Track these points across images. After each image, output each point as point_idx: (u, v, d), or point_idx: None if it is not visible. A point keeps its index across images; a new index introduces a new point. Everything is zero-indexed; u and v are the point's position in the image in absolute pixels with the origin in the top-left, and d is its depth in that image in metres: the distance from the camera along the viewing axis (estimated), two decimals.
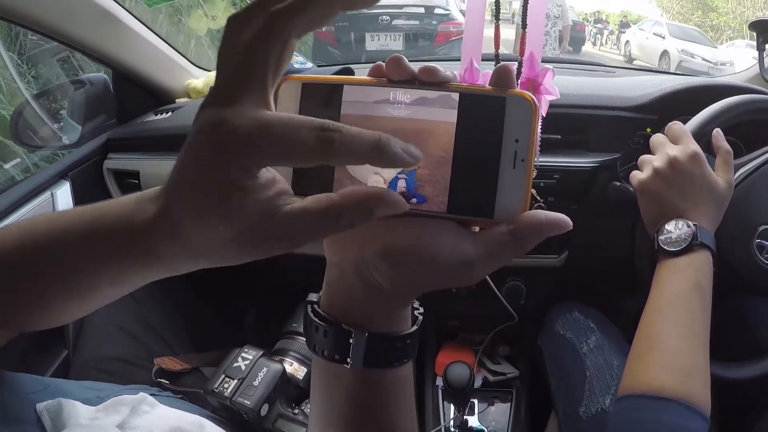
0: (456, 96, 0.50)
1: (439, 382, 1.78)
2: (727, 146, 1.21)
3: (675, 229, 1.12)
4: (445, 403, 1.78)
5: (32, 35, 1.88)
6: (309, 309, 0.57)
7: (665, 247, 1.12)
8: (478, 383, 1.74)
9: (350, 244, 0.52)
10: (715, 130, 1.23)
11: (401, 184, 0.51)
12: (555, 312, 1.65)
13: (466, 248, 0.50)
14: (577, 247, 1.61)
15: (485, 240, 0.50)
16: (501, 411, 1.76)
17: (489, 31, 1.23)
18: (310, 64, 2.16)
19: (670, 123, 1.23)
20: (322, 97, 0.52)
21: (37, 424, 0.73)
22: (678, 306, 1.05)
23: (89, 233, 0.50)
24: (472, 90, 0.50)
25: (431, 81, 0.50)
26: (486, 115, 0.50)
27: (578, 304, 1.64)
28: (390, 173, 0.51)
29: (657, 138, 1.23)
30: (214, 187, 0.43)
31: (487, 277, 1.52)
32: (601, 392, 1.38)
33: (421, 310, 0.61)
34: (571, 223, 0.50)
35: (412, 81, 0.51)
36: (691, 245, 1.09)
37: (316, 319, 0.55)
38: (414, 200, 0.50)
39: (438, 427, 1.69)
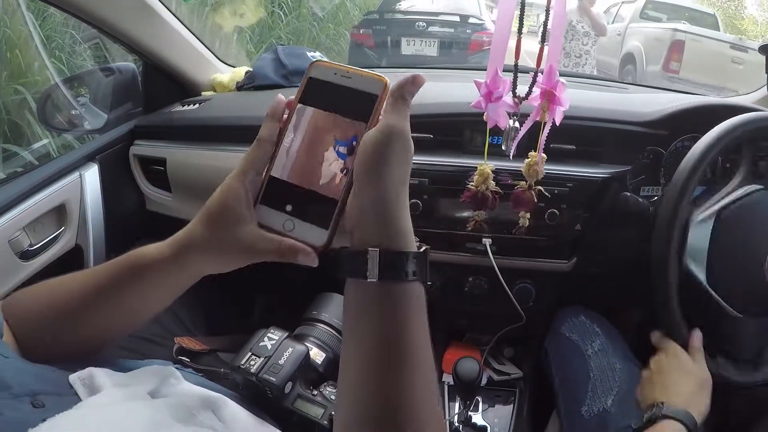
0: None
1: (446, 378, 1.85)
2: (693, 342, 1.38)
3: None
4: (450, 402, 1.84)
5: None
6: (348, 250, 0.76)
7: None
8: (483, 382, 1.79)
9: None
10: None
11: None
12: (562, 315, 1.72)
13: None
14: (587, 253, 1.69)
15: None
16: (504, 409, 1.82)
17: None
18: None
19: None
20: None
21: (70, 391, 0.79)
22: None
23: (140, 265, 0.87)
24: None
25: None
26: None
27: (585, 309, 1.71)
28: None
29: None
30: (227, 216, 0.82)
31: (500, 277, 1.63)
32: (604, 393, 1.46)
33: (425, 247, 0.77)
34: None
35: None
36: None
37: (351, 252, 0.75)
38: None
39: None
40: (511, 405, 1.85)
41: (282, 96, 0.84)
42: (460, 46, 9.14)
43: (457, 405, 1.81)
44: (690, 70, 9.38)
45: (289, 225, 0.80)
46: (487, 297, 1.77)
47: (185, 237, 0.85)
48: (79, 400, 0.77)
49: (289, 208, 0.81)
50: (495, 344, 1.93)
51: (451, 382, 1.80)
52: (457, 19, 9.27)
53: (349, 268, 0.74)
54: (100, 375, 0.83)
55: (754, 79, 2.21)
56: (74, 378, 0.81)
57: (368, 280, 0.72)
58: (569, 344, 1.63)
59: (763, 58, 1.82)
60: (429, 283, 0.76)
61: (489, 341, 1.92)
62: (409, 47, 9.14)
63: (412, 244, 0.75)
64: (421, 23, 9.19)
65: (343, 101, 0.80)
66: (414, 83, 0.77)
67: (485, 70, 1.31)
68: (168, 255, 0.85)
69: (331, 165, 0.79)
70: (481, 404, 1.82)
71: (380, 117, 0.78)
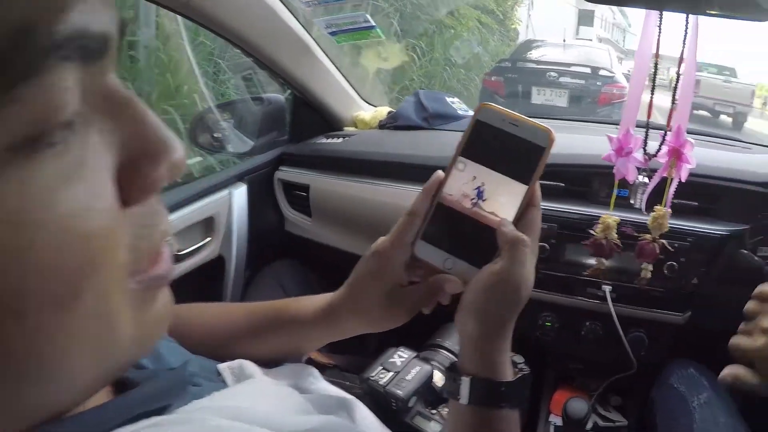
0: None
1: (552, 419, 1.90)
2: None
3: None
4: None
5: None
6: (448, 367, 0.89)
7: None
8: (588, 426, 1.82)
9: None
10: None
11: None
12: (672, 367, 1.73)
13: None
14: (701, 308, 1.73)
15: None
16: None
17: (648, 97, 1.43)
18: (471, 112, 2.39)
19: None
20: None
21: (218, 379, 0.86)
22: None
23: (292, 317, 0.99)
24: None
25: None
26: None
27: (695, 363, 1.73)
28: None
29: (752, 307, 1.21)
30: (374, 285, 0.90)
31: (618, 324, 1.69)
32: None
33: (527, 370, 0.86)
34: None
35: None
36: None
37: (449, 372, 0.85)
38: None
39: None
40: None
41: (441, 173, 0.86)
42: (590, 98, 9.10)
43: None
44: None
45: (450, 263, 0.84)
46: (601, 343, 1.81)
47: (336, 299, 0.95)
48: (226, 386, 0.83)
49: (448, 248, 0.85)
50: (603, 391, 1.95)
51: (558, 423, 1.86)
52: (589, 71, 9.26)
53: (447, 387, 0.84)
54: (249, 366, 0.90)
55: None
56: (223, 367, 0.88)
57: (460, 402, 0.81)
58: (676, 395, 1.64)
59: None
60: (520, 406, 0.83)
61: (597, 387, 1.95)
62: (539, 96, 9.18)
63: (506, 373, 0.81)
64: (552, 73, 9.22)
65: (509, 150, 0.82)
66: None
67: (614, 124, 1.39)
68: (319, 314, 0.96)
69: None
70: None
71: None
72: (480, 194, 0.83)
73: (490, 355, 0.81)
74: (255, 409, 0.73)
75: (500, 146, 0.83)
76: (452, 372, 0.83)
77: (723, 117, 15.77)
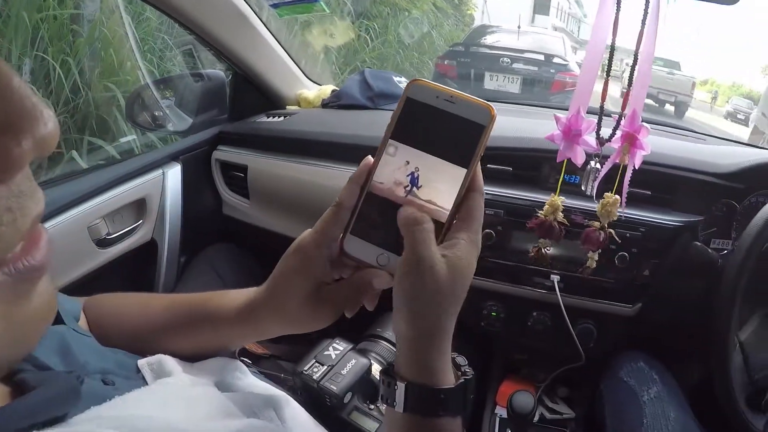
0: None
1: (498, 411, 1.86)
2: None
3: None
4: None
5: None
6: (382, 370, 0.77)
7: None
8: (535, 419, 1.78)
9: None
10: None
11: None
12: (621, 359, 1.72)
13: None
14: (652, 300, 1.68)
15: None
16: None
17: (600, 86, 1.36)
18: None
19: None
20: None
21: (137, 375, 0.82)
22: None
23: (212, 314, 0.89)
24: None
25: None
26: None
27: (645, 355, 1.71)
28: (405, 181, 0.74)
29: None
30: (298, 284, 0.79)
31: (565, 315, 1.64)
32: None
33: (470, 374, 0.76)
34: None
35: None
36: None
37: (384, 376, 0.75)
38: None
39: None
40: None
41: (370, 159, 0.76)
42: (543, 85, 9.12)
43: None
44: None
45: (383, 259, 0.75)
46: (549, 333, 1.78)
47: (256, 298, 0.85)
48: (146, 383, 0.79)
49: (381, 242, 0.75)
50: (551, 383, 1.91)
51: (504, 416, 1.81)
52: (542, 58, 9.26)
53: (383, 392, 0.74)
54: (169, 361, 0.85)
55: None
56: (143, 363, 0.83)
57: (395, 409, 0.71)
58: (625, 388, 1.62)
59: None
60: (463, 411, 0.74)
61: (545, 379, 1.92)
62: (492, 82, 9.15)
63: (445, 379, 0.72)
64: (505, 59, 9.21)
65: (445, 130, 0.74)
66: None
67: (566, 109, 1.32)
68: (241, 312, 0.86)
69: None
70: None
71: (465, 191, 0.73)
72: (414, 181, 0.74)
73: (428, 358, 0.71)
74: (158, 416, 0.68)
75: (435, 126, 0.75)
76: (387, 376, 0.74)
77: (667, 106, 17.18)
